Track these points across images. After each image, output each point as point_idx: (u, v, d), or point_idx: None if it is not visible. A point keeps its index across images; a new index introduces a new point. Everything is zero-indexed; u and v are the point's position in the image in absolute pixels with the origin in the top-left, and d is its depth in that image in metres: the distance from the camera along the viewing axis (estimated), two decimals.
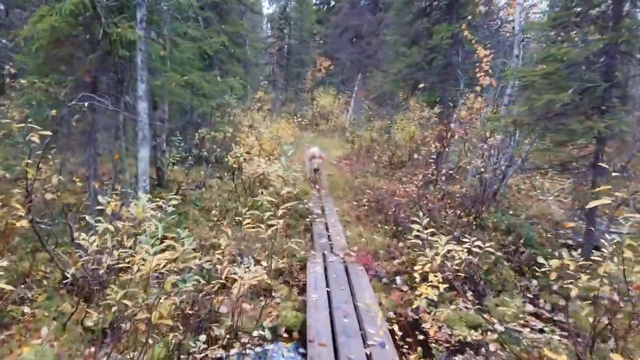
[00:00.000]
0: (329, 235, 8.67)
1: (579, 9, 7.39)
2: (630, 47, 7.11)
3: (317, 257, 7.44)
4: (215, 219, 9.01)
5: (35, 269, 6.41)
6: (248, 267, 4.34)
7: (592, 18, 7.50)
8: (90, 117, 7.31)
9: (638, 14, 7.84)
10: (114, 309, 4.13)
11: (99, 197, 4.08)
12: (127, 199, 7.85)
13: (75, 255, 5.37)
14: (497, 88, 10.48)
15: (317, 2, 37.52)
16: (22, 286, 5.98)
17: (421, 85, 13.97)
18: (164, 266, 3.67)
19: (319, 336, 5.06)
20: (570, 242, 8.58)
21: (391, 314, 6.69)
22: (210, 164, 10.51)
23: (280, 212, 4.47)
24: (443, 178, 9.70)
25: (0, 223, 5.60)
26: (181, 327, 5.30)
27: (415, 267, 4.71)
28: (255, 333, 6.11)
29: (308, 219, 9.64)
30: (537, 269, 7.87)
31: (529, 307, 7.10)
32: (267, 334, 5.52)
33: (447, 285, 4.93)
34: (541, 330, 6.48)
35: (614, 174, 5.27)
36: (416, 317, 6.79)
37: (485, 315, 6.53)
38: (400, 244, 8.18)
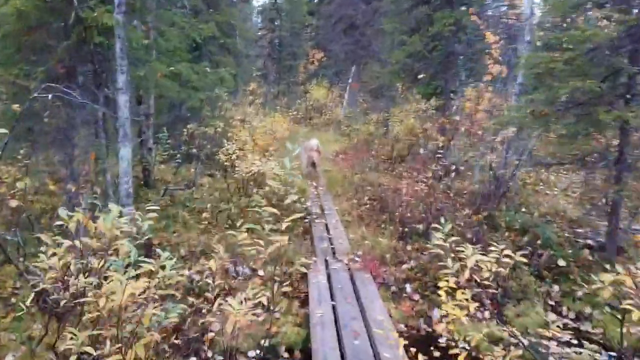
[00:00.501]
0: (330, 238, 8.00)
1: None
2: None
3: (318, 264, 6.77)
4: (207, 222, 8.31)
5: (1, 285, 5.71)
6: (242, 301, 3.56)
7: None
8: (64, 112, 6.58)
9: None
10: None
11: (60, 210, 3.35)
12: (106, 206, 7.15)
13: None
14: (507, 77, 9.80)
15: None
16: None
17: (421, 76, 13.27)
18: (141, 294, 2.97)
19: None
20: (590, 242, 7.97)
21: (402, 327, 6.06)
22: (201, 162, 9.79)
23: (284, 225, 3.77)
24: (453, 175, 9.03)
25: None
26: (167, 350, 4.63)
27: (440, 284, 4.03)
28: (251, 353, 5.45)
29: (307, 220, 8.96)
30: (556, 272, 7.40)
31: (552, 316, 6.49)
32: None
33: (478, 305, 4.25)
34: (569, 344, 5.88)
35: None
36: (429, 329, 6.17)
37: (507, 327, 5.92)
38: (408, 247, 7.53)
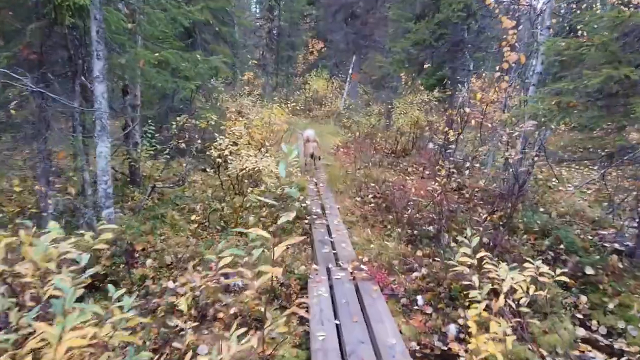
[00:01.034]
0: (332, 242, 7.30)
1: None
2: None
3: (320, 273, 6.06)
4: (197, 223, 7.61)
5: None
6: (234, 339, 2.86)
7: None
8: (35, 103, 5.86)
9: None
10: None
11: None
12: (86, 209, 6.44)
13: None
14: (524, 66, 9.06)
15: None
16: None
17: (427, 65, 12.55)
18: (89, 345, 2.26)
19: None
20: (617, 246, 7.27)
21: (413, 344, 5.38)
22: (192, 156, 9.07)
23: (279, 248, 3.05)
24: (467, 172, 8.32)
25: None
26: None
27: (470, 312, 3.34)
28: None
29: (306, 221, 8.26)
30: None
31: (580, 331, 5.80)
32: None
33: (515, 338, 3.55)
34: None
35: None
36: (444, 347, 5.49)
37: (534, 346, 5.24)
38: (418, 252, 6.83)
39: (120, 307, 2.39)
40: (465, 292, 5.74)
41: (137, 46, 7.50)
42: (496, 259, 6.44)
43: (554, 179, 11.45)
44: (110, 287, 2.52)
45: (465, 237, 3.76)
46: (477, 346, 3.18)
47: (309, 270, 6.01)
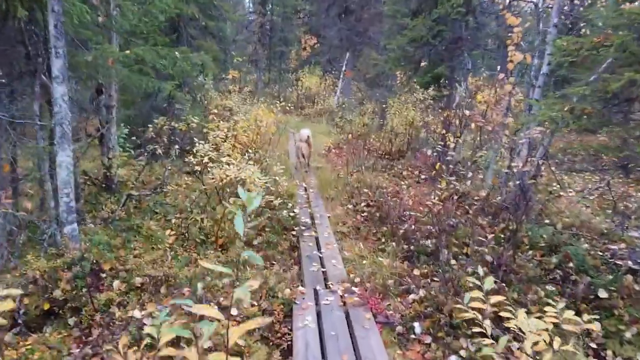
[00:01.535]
0: (321, 258, 6.70)
1: None
2: None
3: (306, 298, 5.45)
4: (175, 236, 6.97)
5: None
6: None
7: None
8: None
9: None
10: None
11: None
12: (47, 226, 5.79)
13: None
14: (525, 67, 8.46)
15: None
16: None
17: (423, 64, 11.96)
18: None
19: None
20: (630, 264, 6.69)
21: None
22: (174, 159, 8.41)
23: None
24: (469, 182, 7.73)
25: None
26: None
27: None
28: None
29: (294, 232, 7.65)
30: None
31: None
32: None
33: None
34: None
35: None
36: None
37: None
38: (415, 271, 6.23)
39: None
40: (467, 319, 5.17)
41: (107, 42, 6.84)
42: (502, 282, 5.91)
43: (554, 184, 10.89)
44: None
45: (475, 275, 3.15)
46: None
47: (294, 295, 5.39)
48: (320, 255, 6.75)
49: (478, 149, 9.79)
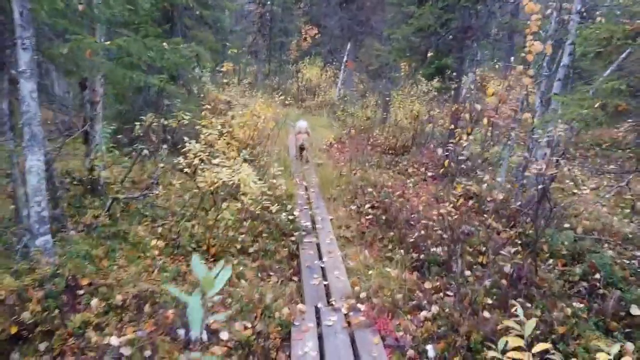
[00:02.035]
0: (323, 268, 6.14)
1: None
2: None
3: (307, 318, 4.89)
4: (165, 243, 6.39)
5: None
6: None
7: None
8: None
9: None
10: None
11: None
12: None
13: None
14: (542, 58, 7.81)
15: None
16: None
17: (430, 54, 11.32)
18: None
19: None
20: None
21: None
22: (162, 159, 7.80)
23: None
24: (485, 185, 7.14)
25: None
26: None
27: None
28: None
29: (293, 238, 7.07)
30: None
31: None
32: None
33: None
34: None
35: None
36: None
37: None
38: (427, 284, 5.65)
39: None
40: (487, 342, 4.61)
41: (90, 33, 6.23)
42: (524, 297, 5.34)
43: (567, 181, 10.30)
44: None
45: (519, 326, 2.57)
46: None
47: (293, 316, 4.82)
48: (322, 266, 6.19)
49: (489, 145, 9.19)
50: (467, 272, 5.82)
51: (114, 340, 4.22)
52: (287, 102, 17.71)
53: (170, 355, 4.20)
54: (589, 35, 5.57)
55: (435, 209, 7.40)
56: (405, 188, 9.00)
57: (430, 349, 4.75)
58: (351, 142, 13.01)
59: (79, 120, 8.12)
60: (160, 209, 7.53)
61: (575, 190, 9.80)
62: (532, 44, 6.40)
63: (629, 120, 6.78)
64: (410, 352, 4.70)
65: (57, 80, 8.81)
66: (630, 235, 7.27)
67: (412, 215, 7.34)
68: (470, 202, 7.69)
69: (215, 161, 5.80)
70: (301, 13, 32.76)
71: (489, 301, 5.17)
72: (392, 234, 7.14)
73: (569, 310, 5.03)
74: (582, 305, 5.16)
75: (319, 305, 5.16)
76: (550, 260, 6.30)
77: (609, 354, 2.62)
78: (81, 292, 5.05)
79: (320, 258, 6.45)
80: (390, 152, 13.09)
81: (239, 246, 6.50)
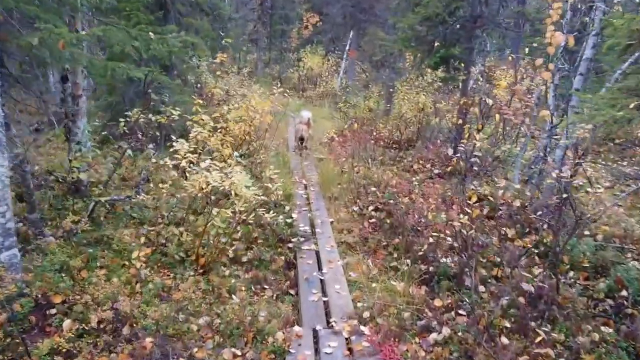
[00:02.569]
0: (322, 281, 5.62)
1: None
2: None
3: (304, 343, 4.36)
4: (147, 252, 5.86)
5: None
6: None
7: None
8: None
9: None
10: None
11: None
12: None
13: None
14: (559, 50, 7.22)
15: None
16: None
17: (437, 44, 10.70)
18: None
19: None
20: None
21: None
22: (150, 158, 7.26)
23: None
24: (502, 191, 6.59)
25: None
26: None
27: None
28: None
29: (291, 244, 6.54)
30: None
31: None
32: None
33: None
34: None
35: None
36: None
37: None
38: (437, 302, 5.12)
39: None
40: None
41: (66, 21, 5.66)
42: (546, 318, 4.80)
43: (581, 180, 9.73)
44: None
45: None
46: None
47: (288, 342, 4.30)
48: (322, 278, 5.66)
49: (501, 143, 8.62)
50: (481, 287, 5.29)
51: None
52: (286, 94, 17.16)
53: None
54: (620, 26, 4.98)
55: (443, 211, 6.88)
56: (411, 187, 8.46)
57: None
58: (353, 136, 12.43)
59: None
60: (150, 209, 7.00)
61: (589, 189, 9.26)
62: (553, 35, 5.78)
63: None
64: None
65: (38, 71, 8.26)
66: None
67: (420, 220, 6.80)
68: (482, 205, 7.15)
69: (204, 164, 5.23)
70: (303, 0, 32.02)
71: (507, 324, 4.64)
72: (397, 240, 6.60)
73: (596, 335, 4.51)
74: (611, 331, 4.63)
75: (318, 327, 4.63)
76: (571, 273, 5.77)
77: None
78: (53, 311, 4.55)
79: (320, 268, 5.92)
80: (394, 146, 12.54)
81: (231, 254, 5.98)
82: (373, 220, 7.40)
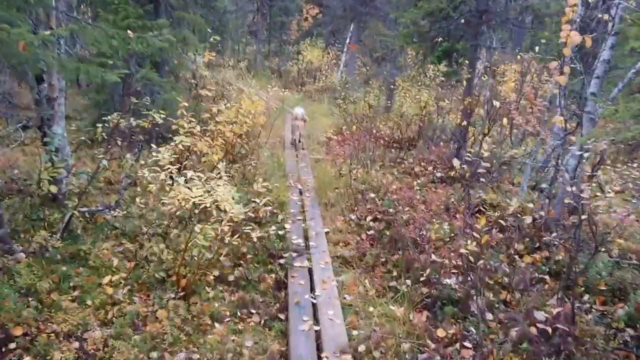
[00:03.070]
0: (314, 305, 5.14)
1: None
2: None
3: None
4: (130, 270, 5.40)
5: None
6: None
7: None
8: None
9: None
10: None
11: None
12: None
13: None
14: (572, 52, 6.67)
15: None
16: None
17: (439, 40, 10.19)
18: None
19: None
20: None
21: None
22: (131, 166, 6.74)
23: None
24: (512, 208, 6.08)
25: None
26: None
27: None
28: None
29: (282, 261, 6.05)
30: None
31: None
32: None
33: None
34: None
35: None
36: None
37: None
38: (440, 332, 4.65)
39: None
40: None
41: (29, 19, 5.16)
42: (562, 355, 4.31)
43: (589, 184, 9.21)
44: None
45: None
46: None
47: None
48: (314, 301, 5.18)
49: (508, 148, 8.11)
50: (488, 315, 4.82)
51: None
52: (284, 89, 16.66)
53: None
54: None
55: (446, 222, 6.41)
56: (412, 193, 7.98)
57: None
58: (352, 136, 11.92)
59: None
60: (134, 218, 6.50)
61: (598, 194, 8.76)
62: (569, 35, 5.26)
63: None
64: None
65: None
66: None
67: (421, 233, 6.32)
68: (488, 214, 6.67)
69: (182, 180, 4.73)
70: None
71: None
72: (396, 256, 6.12)
73: None
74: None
75: None
76: (586, 296, 5.29)
77: None
78: (12, 345, 4.08)
79: (312, 290, 5.44)
80: (394, 145, 12.03)
81: (217, 273, 5.50)
82: (371, 232, 6.92)
